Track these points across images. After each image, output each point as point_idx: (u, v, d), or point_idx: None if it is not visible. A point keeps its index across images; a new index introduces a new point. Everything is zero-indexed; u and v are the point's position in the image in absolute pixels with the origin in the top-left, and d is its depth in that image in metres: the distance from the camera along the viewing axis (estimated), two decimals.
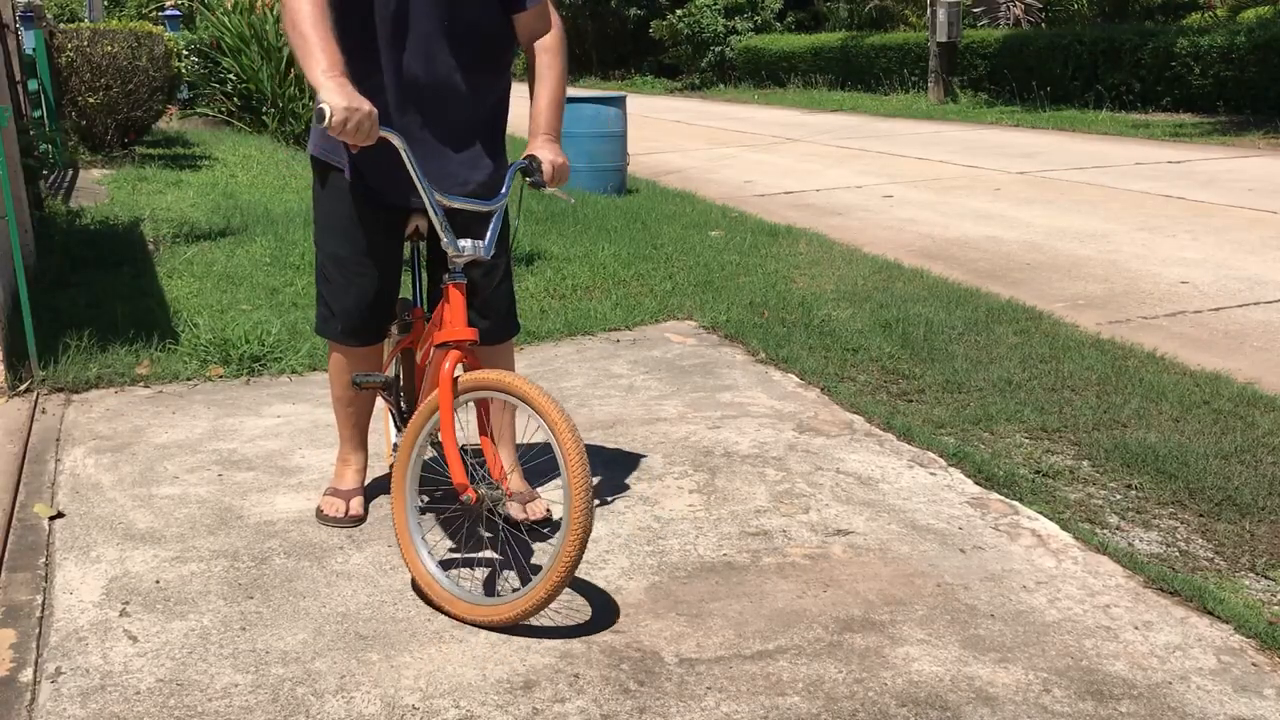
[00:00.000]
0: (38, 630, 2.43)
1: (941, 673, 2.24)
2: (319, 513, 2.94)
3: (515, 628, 2.40)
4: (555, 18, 2.72)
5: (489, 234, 2.52)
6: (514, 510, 2.87)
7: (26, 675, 2.26)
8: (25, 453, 3.45)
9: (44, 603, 2.55)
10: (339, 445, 3.03)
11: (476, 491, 2.38)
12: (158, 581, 2.63)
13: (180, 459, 3.39)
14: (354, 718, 2.11)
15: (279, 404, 3.90)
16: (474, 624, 2.39)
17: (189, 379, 4.17)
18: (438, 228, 2.45)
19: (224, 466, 3.33)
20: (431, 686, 2.20)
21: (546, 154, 2.60)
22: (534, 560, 2.69)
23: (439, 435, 2.45)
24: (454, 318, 2.48)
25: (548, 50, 2.68)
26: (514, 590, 2.46)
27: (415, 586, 2.54)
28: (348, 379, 2.85)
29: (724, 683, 2.21)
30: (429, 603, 2.48)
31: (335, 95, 2.26)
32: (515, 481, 2.95)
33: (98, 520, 2.97)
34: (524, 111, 2.72)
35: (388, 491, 3.03)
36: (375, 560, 2.72)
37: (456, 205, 2.50)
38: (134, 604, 2.53)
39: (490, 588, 2.59)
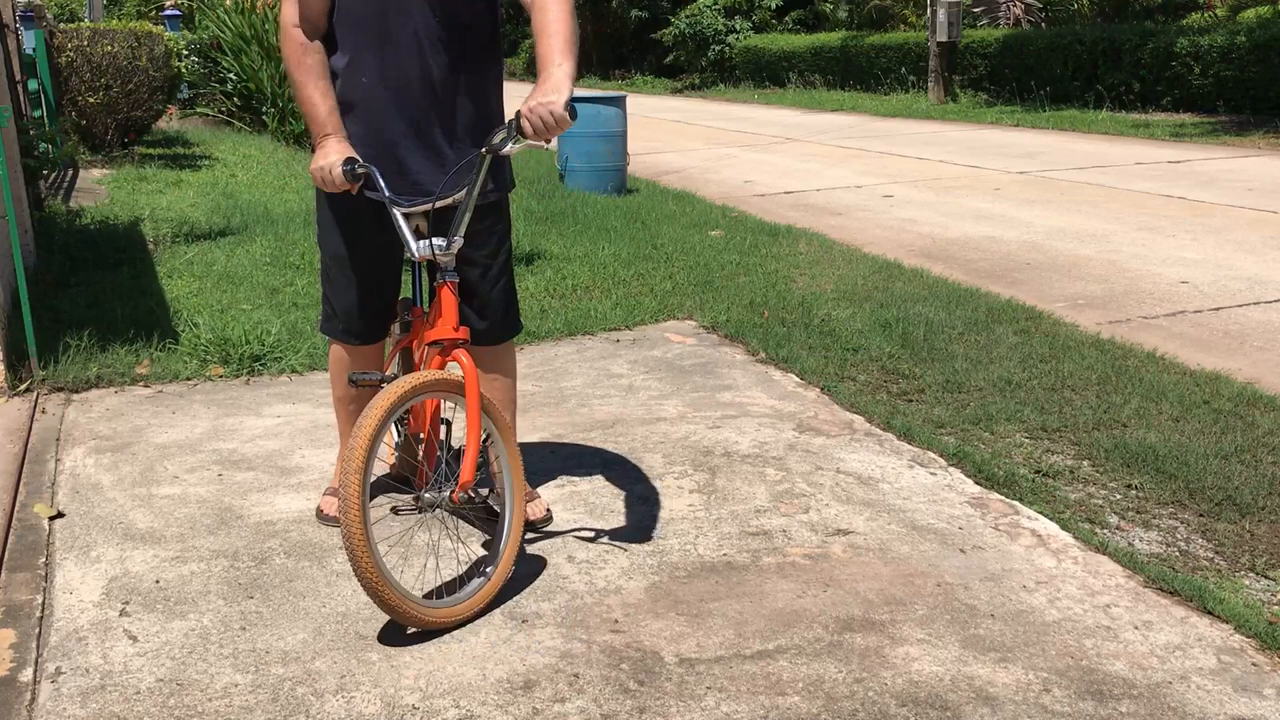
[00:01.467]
0: (38, 630, 2.43)
1: (941, 673, 2.24)
2: (319, 512, 2.94)
3: (515, 627, 2.40)
4: None
5: (452, 227, 2.50)
6: None
7: (26, 675, 2.26)
8: (25, 452, 3.45)
9: (44, 602, 2.55)
10: (340, 445, 3.02)
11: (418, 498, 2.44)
12: (158, 581, 2.64)
13: (180, 459, 3.39)
14: (354, 718, 2.11)
15: (279, 404, 3.90)
16: (418, 626, 2.37)
17: (189, 379, 4.17)
18: (400, 235, 2.50)
19: (224, 466, 3.33)
20: (431, 686, 2.20)
21: (526, 103, 2.29)
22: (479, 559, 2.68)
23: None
24: (445, 316, 2.49)
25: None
26: (449, 591, 2.49)
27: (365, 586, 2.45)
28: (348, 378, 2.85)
29: (724, 682, 2.21)
30: (378, 602, 2.36)
31: (314, 158, 2.52)
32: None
33: (98, 520, 2.97)
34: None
35: (387, 491, 3.04)
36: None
37: (420, 208, 2.56)
38: (134, 604, 2.53)
39: (439, 589, 2.55)
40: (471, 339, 2.82)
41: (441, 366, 2.50)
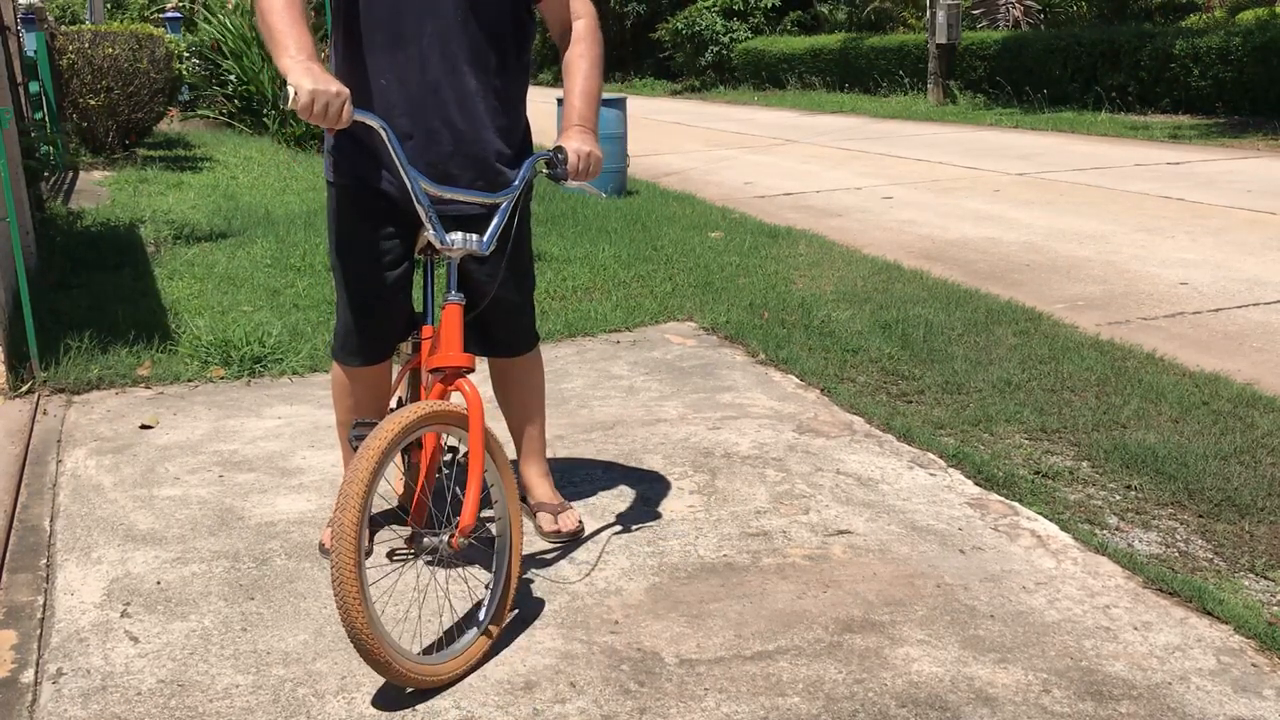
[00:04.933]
0: (39, 631, 2.43)
1: (941, 673, 2.25)
2: (321, 546, 2.79)
3: (516, 626, 2.40)
4: (587, 4, 2.62)
5: (490, 228, 2.38)
6: (544, 523, 2.84)
7: (28, 676, 2.27)
8: (26, 454, 3.45)
9: (45, 604, 2.55)
10: (343, 471, 2.90)
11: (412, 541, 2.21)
12: (159, 582, 2.64)
13: (181, 460, 3.40)
14: (355, 718, 2.11)
15: (280, 405, 3.91)
16: (404, 685, 2.16)
17: (190, 380, 4.17)
18: (424, 219, 2.32)
19: (225, 468, 3.34)
20: None
21: (573, 144, 2.45)
22: (474, 612, 2.44)
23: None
24: (448, 341, 2.30)
25: (579, 39, 2.58)
26: (440, 646, 2.27)
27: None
28: (352, 401, 2.73)
29: (724, 683, 2.22)
30: (367, 659, 2.13)
31: (302, 77, 2.13)
32: (545, 492, 2.89)
33: (99, 521, 2.97)
34: (549, 111, 2.59)
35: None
36: (377, 561, 2.72)
37: (448, 196, 2.38)
38: (135, 605, 2.54)
39: (431, 643, 2.34)
40: (507, 351, 2.76)
41: (444, 395, 2.31)
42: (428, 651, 2.27)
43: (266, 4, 2.28)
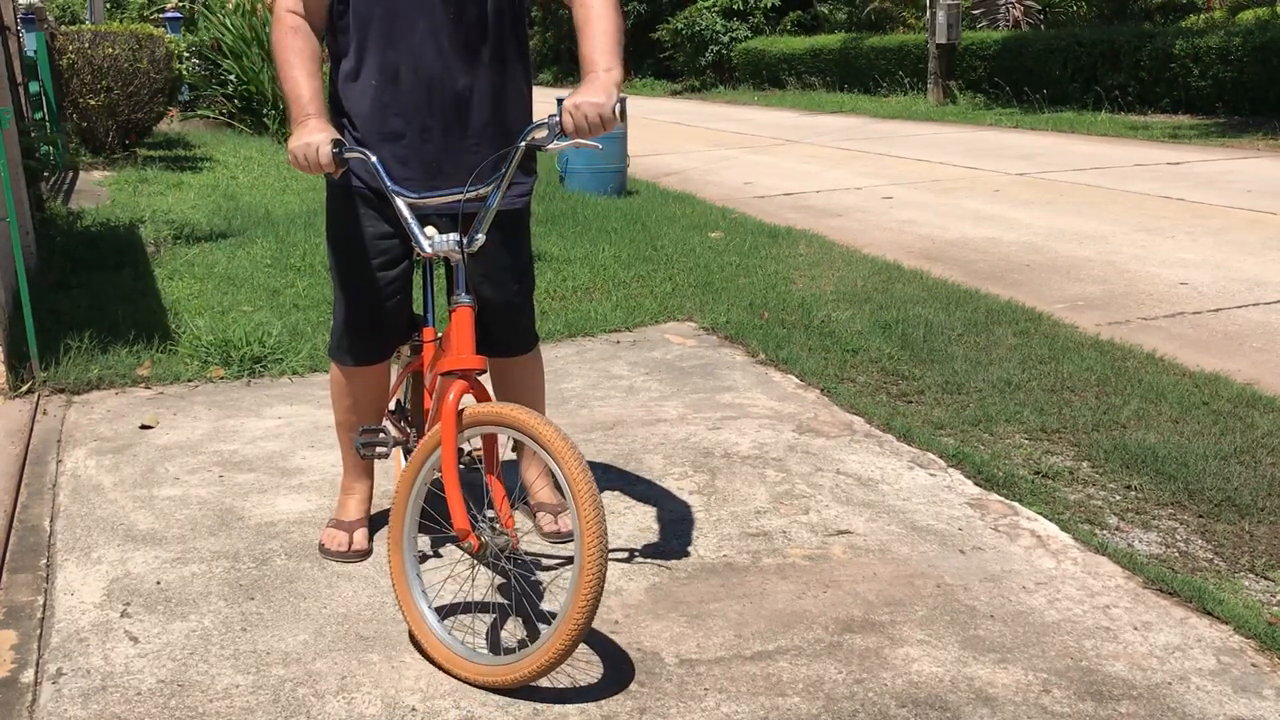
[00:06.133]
0: (39, 631, 2.43)
1: (941, 673, 2.25)
2: (321, 547, 2.78)
3: (516, 628, 2.40)
4: None
5: (474, 223, 2.33)
6: (544, 523, 2.84)
7: (28, 676, 2.27)
8: (26, 454, 3.45)
9: (45, 604, 2.55)
10: (343, 473, 2.88)
11: (479, 538, 2.18)
12: (159, 582, 2.64)
13: (181, 460, 3.40)
14: (355, 718, 2.11)
15: (280, 405, 3.91)
16: (479, 686, 2.18)
17: (190, 380, 4.17)
18: (407, 228, 2.32)
19: (225, 468, 3.34)
20: (432, 687, 2.21)
21: (571, 99, 2.21)
22: (548, 608, 2.49)
23: (439, 473, 2.26)
24: (460, 344, 2.28)
25: None
26: (520, 646, 2.27)
27: (413, 639, 2.34)
28: (350, 401, 2.73)
29: (724, 683, 2.22)
30: (429, 660, 2.27)
31: (294, 137, 2.36)
32: (545, 492, 2.88)
33: (99, 521, 2.97)
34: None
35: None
36: (376, 561, 2.73)
37: (433, 201, 2.36)
38: (135, 605, 2.54)
39: (497, 643, 2.37)
40: (507, 351, 2.73)
41: (458, 398, 2.28)
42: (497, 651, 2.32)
43: (278, 61, 2.47)
